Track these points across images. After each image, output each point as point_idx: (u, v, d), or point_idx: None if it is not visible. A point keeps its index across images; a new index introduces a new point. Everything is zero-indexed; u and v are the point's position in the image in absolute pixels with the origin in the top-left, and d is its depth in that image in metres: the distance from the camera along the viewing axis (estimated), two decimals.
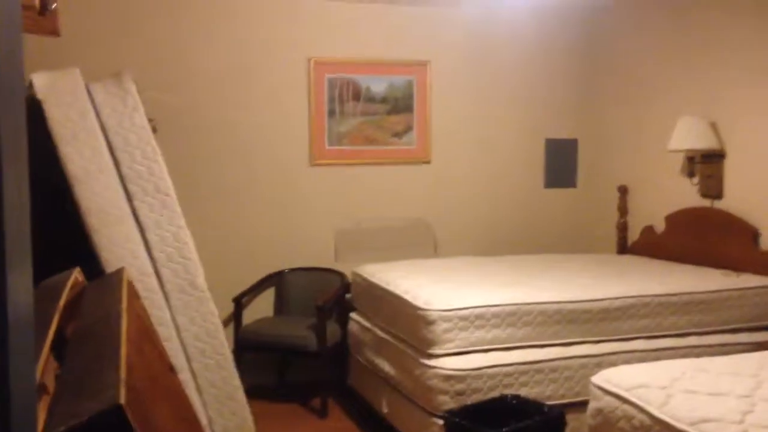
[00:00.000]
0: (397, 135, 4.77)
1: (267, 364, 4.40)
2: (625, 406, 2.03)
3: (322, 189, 4.58)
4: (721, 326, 3.51)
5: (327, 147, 4.59)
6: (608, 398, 2.12)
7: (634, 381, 2.11)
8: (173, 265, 3.11)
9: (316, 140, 4.55)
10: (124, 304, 2.08)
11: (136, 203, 3.09)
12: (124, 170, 3.08)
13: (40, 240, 2.97)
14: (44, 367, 1.55)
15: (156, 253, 3.09)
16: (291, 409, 4.07)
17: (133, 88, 3.12)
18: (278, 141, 4.47)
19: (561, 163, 5.10)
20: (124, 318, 1.92)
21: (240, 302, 4.20)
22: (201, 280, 3.15)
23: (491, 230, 4.96)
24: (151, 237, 3.10)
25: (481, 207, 4.94)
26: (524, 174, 5.03)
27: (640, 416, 1.96)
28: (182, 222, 3.16)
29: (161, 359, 2.81)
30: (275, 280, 4.47)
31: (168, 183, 3.15)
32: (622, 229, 4.82)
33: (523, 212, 5.02)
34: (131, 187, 3.08)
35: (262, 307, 4.45)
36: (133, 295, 2.69)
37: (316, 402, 4.07)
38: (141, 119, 3.13)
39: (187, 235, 3.16)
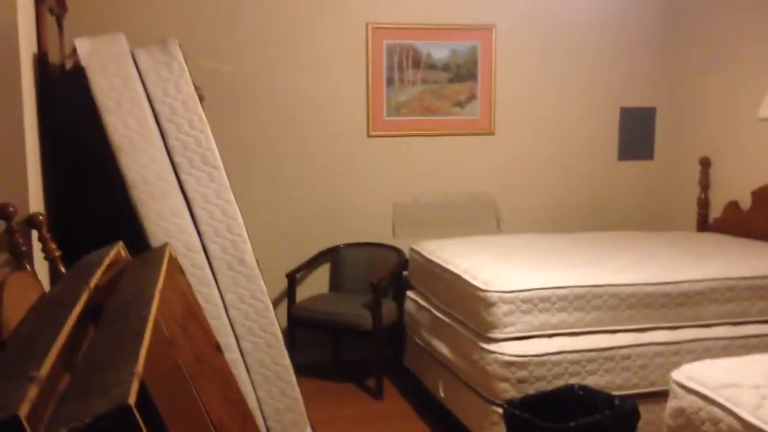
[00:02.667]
0: (460, 104, 4.52)
1: (321, 341, 4.29)
2: (712, 408, 1.79)
3: (380, 161, 4.39)
4: None
5: (385, 117, 4.38)
6: (691, 397, 1.87)
7: (721, 378, 1.85)
8: (221, 240, 2.99)
9: (374, 110, 4.35)
10: (160, 284, 1.95)
11: (183, 176, 2.97)
12: (171, 141, 2.96)
13: (86, 213, 2.88)
14: (63, 355, 1.43)
15: (203, 228, 2.97)
16: (345, 388, 3.94)
17: (179, 54, 2.98)
18: (334, 111, 4.29)
19: (637, 134, 4.74)
20: (156, 299, 1.78)
21: (293, 278, 4.08)
22: (250, 256, 3.02)
23: (559, 206, 4.67)
24: (198, 211, 2.98)
25: (548, 181, 4.65)
26: (596, 145, 4.70)
27: (729, 420, 1.72)
28: (231, 196, 3.03)
29: (207, 338, 2.69)
30: (330, 255, 4.32)
31: (216, 155, 3.01)
32: (704, 204, 4.45)
33: (594, 186, 4.71)
34: (178, 159, 2.96)
35: (316, 283, 4.32)
36: (177, 271, 2.58)
37: (371, 382, 3.93)
38: (188, 87, 3.00)
39: (235, 210, 3.03)
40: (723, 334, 3.03)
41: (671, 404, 1.97)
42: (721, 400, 1.78)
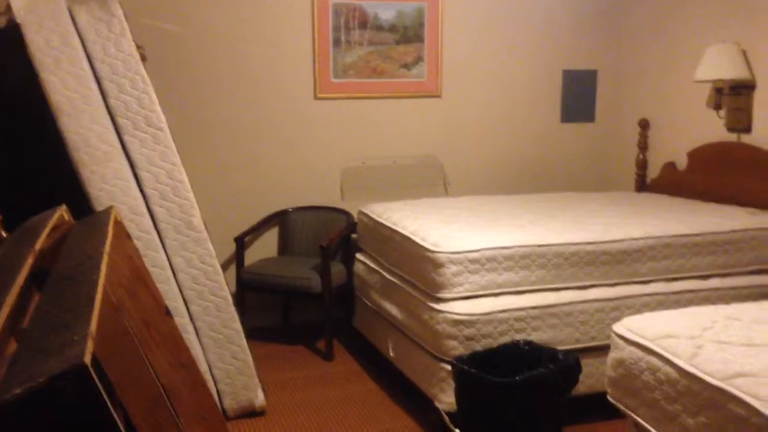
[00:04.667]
0: (407, 66, 4.51)
1: (270, 305, 4.29)
2: (650, 358, 1.88)
3: (328, 124, 4.37)
4: (745, 267, 3.34)
5: (332, 79, 4.35)
6: (631, 348, 1.96)
7: (659, 330, 1.94)
8: (167, 203, 2.94)
9: (321, 72, 4.31)
10: (107, 247, 1.92)
11: (126, 137, 2.90)
12: (112, 102, 2.89)
13: (23, 175, 2.79)
14: (9, 319, 1.40)
15: (148, 191, 2.93)
16: (295, 350, 3.97)
17: (119, 12, 2.89)
18: (281, 72, 4.23)
19: (579, 97, 4.84)
20: (104, 262, 1.76)
21: (242, 242, 4.05)
22: (197, 219, 2.99)
23: (505, 168, 4.75)
24: (143, 174, 2.92)
25: (494, 143, 4.71)
26: (540, 108, 4.78)
27: (667, 369, 1.81)
28: (176, 158, 2.98)
29: (156, 302, 2.66)
30: (279, 219, 4.31)
31: (160, 116, 2.95)
32: (642, 165, 4.59)
33: (538, 148, 4.80)
34: (120, 120, 2.89)
35: (265, 247, 4.31)
36: (124, 235, 2.53)
37: (321, 344, 3.97)
38: (129, 46, 2.91)
39: (181, 172, 2.98)
40: (660, 289, 3.16)
41: (612, 355, 2.05)
42: (659, 350, 1.87)
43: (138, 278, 2.62)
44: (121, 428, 1.20)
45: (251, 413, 3.14)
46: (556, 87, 4.79)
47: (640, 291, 3.15)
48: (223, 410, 3.07)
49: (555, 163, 4.84)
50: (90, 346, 1.21)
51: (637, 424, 1.95)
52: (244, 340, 3.10)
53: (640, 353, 1.92)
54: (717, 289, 3.23)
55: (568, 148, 4.86)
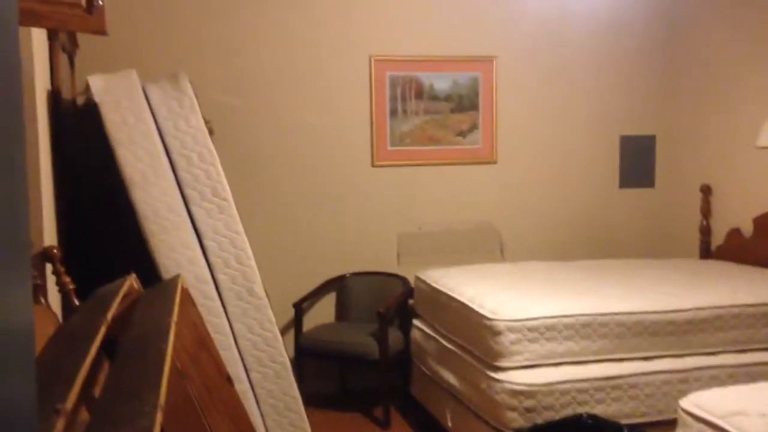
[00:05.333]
0: (462, 134, 4.58)
1: (328, 371, 4.29)
2: None
3: (384, 191, 4.44)
4: None
5: (389, 147, 4.44)
6: (700, 425, 1.89)
7: (729, 406, 1.88)
8: (230, 271, 3.02)
9: (378, 140, 4.42)
10: (175, 316, 1.98)
11: (193, 208, 3.02)
12: (181, 174, 3.01)
13: (96, 245, 2.91)
14: (82, 387, 1.46)
15: (213, 259, 3.01)
16: (352, 418, 3.94)
17: (189, 89, 3.05)
18: (339, 142, 4.35)
19: (637, 162, 4.80)
20: (172, 331, 1.82)
21: (300, 308, 4.10)
22: (259, 287, 3.05)
23: (562, 234, 4.71)
24: (208, 243, 3.02)
25: (550, 209, 4.69)
26: (597, 173, 4.76)
27: None
28: (240, 227, 3.07)
29: (218, 369, 2.72)
30: (336, 285, 4.35)
31: (225, 187, 3.06)
32: (706, 232, 4.49)
33: (596, 214, 4.75)
34: (188, 192, 3.01)
35: (323, 312, 4.34)
36: (189, 302, 2.61)
37: (378, 411, 3.94)
38: (198, 121, 3.06)
39: (244, 241, 3.07)
40: (729, 361, 3.05)
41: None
42: (728, 427, 1.80)
43: (201, 345, 2.68)
44: None
45: None
46: (613, 152, 4.77)
47: (708, 363, 3.05)
48: None
49: (614, 230, 4.77)
50: (159, 417, 1.25)
51: None
52: (302, 408, 3.10)
53: (709, 431, 1.85)
54: None
55: (627, 214, 4.80)
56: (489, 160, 4.60)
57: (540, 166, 4.67)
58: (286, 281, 4.21)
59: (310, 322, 4.23)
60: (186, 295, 2.56)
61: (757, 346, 3.13)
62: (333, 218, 4.36)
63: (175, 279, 2.50)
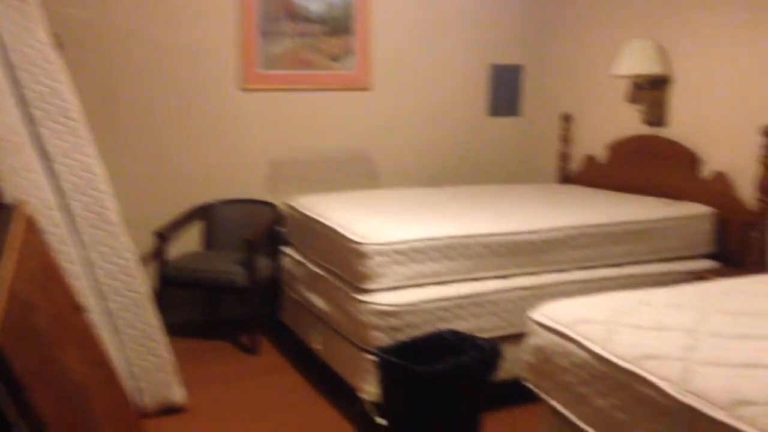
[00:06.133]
0: (336, 59, 4.49)
1: (195, 300, 4.21)
2: (566, 343, 1.92)
3: (255, 116, 4.30)
4: (659, 255, 3.47)
5: (259, 70, 4.28)
6: (547, 334, 2.00)
7: (574, 316, 2.00)
8: (82, 197, 2.84)
9: (247, 63, 4.24)
10: (13, 242, 1.84)
11: (40, 129, 2.78)
12: (25, 92, 2.76)
13: None
14: None
15: (63, 184, 2.81)
16: (220, 346, 3.90)
17: None
18: (206, 63, 4.14)
19: (505, 91, 4.92)
20: (10, 258, 1.68)
21: (163, 236, 3.95)
22: (114, 213, 2.90)
23: (434, 160, 4.79)
24: (57, 166, 2.81)
25: (423, 136, 4.74)
26: (468, 101, 4.84)
27: (581, 353, 1.86)
28: (92, 150, 2.88)
29: (68, 299, 2.58)
30: (204, 212, 4.22)
31: (75, 106, 2.84)
32: (564, 158, 4.71)
33: (466, 141, 4.86)
34: (33, 111, 2.77)
35: (190, 241, 4.21)
36: (34, 230, 2.44)
37: (247, 339, 3.92)
38: (43, 34, 2.79)
39: (98, 165, 2.89)
40: (579, 277, 3.25)
41: (530, 341, 2.10)
42: (573, 335, 1.92)
43: (49, 274, 2.52)
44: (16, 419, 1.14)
45: (172, 410, 3.07)
46: (484, 81, 4.85)
47: (560, 279, 3.23)
48: (142, 407, 2.99)
49: (483, 157, 4.91)
50: None
51: (552, 408, 2.00)
52: (164, 337, 3.02)
53: (555, 338, 1.97)
54: (633, 276, 3.35)
55: (496, 142, 4.94)
56: (363, 86, 4.55)
57: (414, 93, 4.68)
58: (150, 209, 4.04)
59: (176, 250, 4.09)
60: (30, 222, 2.38)
61: (604, 262, 3.35)
62: (200, 143, 4.19)
63: (16, 205, 2.32)
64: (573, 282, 3.22)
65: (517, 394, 2.39)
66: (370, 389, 2.90)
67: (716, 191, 3.63)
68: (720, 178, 3.63)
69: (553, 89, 4.86)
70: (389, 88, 4.60)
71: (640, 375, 1.66)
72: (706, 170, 3.74)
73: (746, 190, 3.50)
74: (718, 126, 3.67)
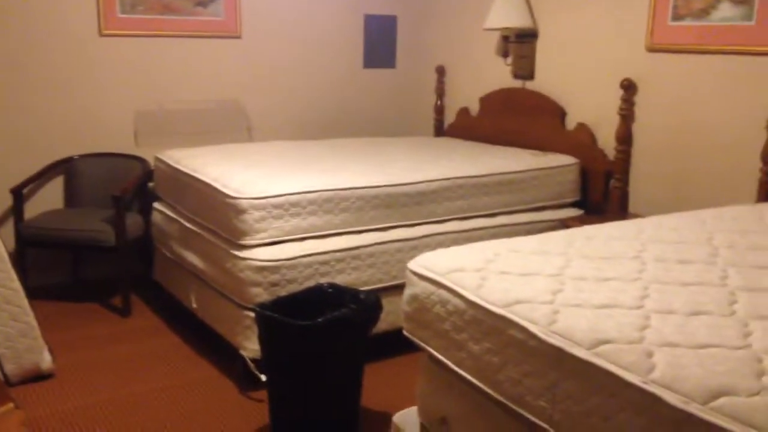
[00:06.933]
0: (202, 4, 4.27)
1: (58, 262, 3.96)
2: (441, 291, 1.97)
3: (118, 64, 4.04)
4: (528, 205, 3.62)
5: (119, 14, 4.01)
6: (423, 284, 2.04)
7: (449, 265, 2.04)
8: None
9: (105, 6, 3.95)
10: None
11: None
12: None
13: None
14: None
15: None
16: (89, 308, 3.71)
17: None
18: (61, 5, 3.82)
19: (380, 42, 4.89)
20: None
21: (20, 194, 3.67)
22: None
23: (309, 113, 4.72)
24: None
25: (298, 88, 4.65)
26: (343, 52, 4.78)
27: (455, 300, 1.91)
28: None
29: None
30: (64, 167, 3.95)
31: None
32: (439, 111, 4.78)
33: (341, 94, 4.82)
34: None
35: (49, 199, 3.94)
36: None
37: (117, 300, 3.75)
38: None
39: None
40: (454, 228, 3.34)
41: (407, 292, 2.13)
42: (448, 283, 1.96)
43: None
44: None
45: (38, 377, 2.90)
46: (358, 32, 4.80)
47: (436, 230, 3.31)
48: (5, 375, 2.81)
49: (358, 109, 4.89)
50: None
51: (430, 355, 2.05)
52: (25, 300, 2.83)
53: (431, 287, 2.01)
54: (504, 225, 3.48)
55: (371, 94, 4.93)
56: (233, 34, 4.38)
57: (287, 43, 4.56)
58: (4, 164, 3.72)
59: (34, 209, 3.82)
60: None
61: (477, 213, 3.46)
62: (59, 93, 3.89)
63: None
64: (449, 233, 3.30)
65: (397, 344, 2.44)
66: (250, 346, 2.87)
67: (580, 142, 3.82)
68: (583, 129, 3.82)
69: (427, 41, 4.89)
70: (260, 37, 4.45)
71: (510, 319, 1.72)
72: (571, 122, 3.92)
73: (608, 141, 3.71)
74: (582, 79, 3.85)
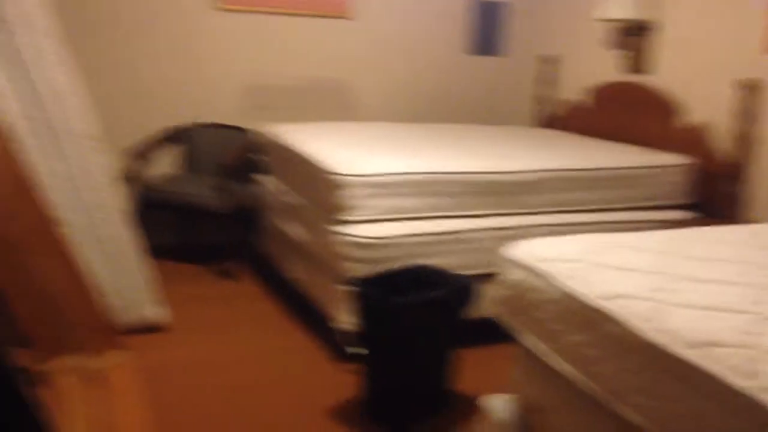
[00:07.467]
0: None
1: (175, 223, 4.19)
2: (537, 279, 1.97)
3: (231, 38, 4.21)
4: (633, 203, 3.52)
5: None
6: (519, 271, 2.05)
7: (546, 254, 2.04)
8: (59, 111, 2.77)
9: None
10: None
11: (16, 39, 2.69)
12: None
13: None
14: None
15: (40, 97, 2.74)
16: (198, 270, 3.92)
17: None
18: None
19: (488, 29, 4.85)
20: None
21: (142, 157, 3.89)
22: (93, 129, 2.84)
23: (410, 96, 4.75)
24: (33, 78, 2.73)
25: (402, 71, 4.70)
26: (450, 38, 4.77)
27: (551, 290, 1.90)
28: (67, 64, 2.80)
29: (41, 211, 2.56)
30: (181, 135, 4.16)
31: (47, 15, 2.75)
32: (543, 101, 4.71)
33: (445, 79, 4.82)
34: (6, 17, 2.67)
35: (168, 163, 4.17)
36: (7, 140, 2.39)
37: (225, 264, 3.93)
38: None
39: (73, 80, 2.81)
40: (553, 221, 3.29)
41: (502, 277, 2.14)
42: (544, 271, 1.96)
43: (21, 186, 2.49)
44: None
45: (149, 327, 3.10)
46: (466, 17, 4.78)
47: (535, 221, 3.27)
48: (121, 323, 3.01)
49: (461, 95, 4.88)
50: None
51: (524, 343, 2.06)
52: (140, 255, 3.03)
53: (527, 275, 2.01)
54: (604, 222, 3.39)
55: (475, 80, 4.90)
56: (345, 14, 4.46)
57: (396, 26, 4.60)
58: (128, 129, 3.97)
59: (156, 172, 4.05)
60: (3, 133, 2.34)
61: (577, 207, 3.39)
62: (176, 65, 4.10)
63: None
64: (547, 225, 3.26)
65: (490, 333, 2.45)
66: (343, 319, 2.95)
67: (695, 142, 3.67)
68: (698, 129, 3.68)
69: (536, 30, 4.82)
70: (372, 19, 4.51)
71: (608, 313, 1.71)
72: (685, 120, 3.78)
73: (724, 143, 3.55)
74: (699, 77, 3.70)
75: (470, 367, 2.87)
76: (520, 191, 3.26)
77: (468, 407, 2.66)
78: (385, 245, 2.96)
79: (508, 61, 4.96)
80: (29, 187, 2.38)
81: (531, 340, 2.01)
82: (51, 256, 2.62)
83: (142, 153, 3.92)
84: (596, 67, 4.34)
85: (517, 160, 3.34)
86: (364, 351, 2.64)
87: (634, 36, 4.04)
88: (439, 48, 4.75)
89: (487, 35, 4.85)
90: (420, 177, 3.07)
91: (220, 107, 4.24)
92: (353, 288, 2.61)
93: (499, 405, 2.24)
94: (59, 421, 2.29)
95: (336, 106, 4.55)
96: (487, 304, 3.05)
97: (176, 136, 4.15)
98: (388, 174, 3.02)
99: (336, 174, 2.99)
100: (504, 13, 4.86)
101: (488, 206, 3.22)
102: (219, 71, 4.20)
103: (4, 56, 2.66)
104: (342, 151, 3.22)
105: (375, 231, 2.96)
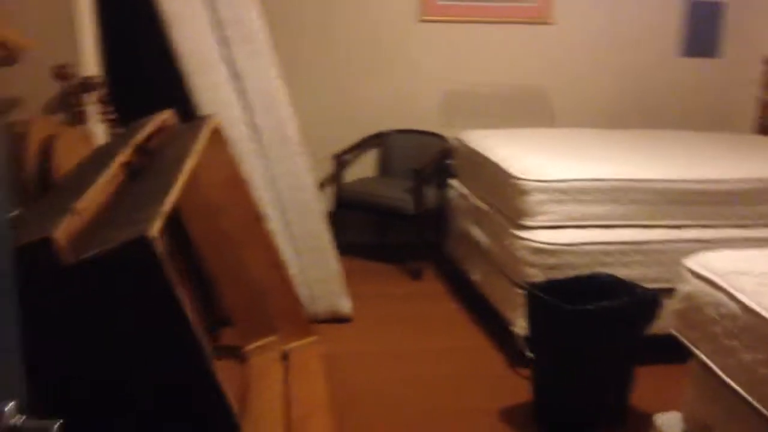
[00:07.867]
0: None
1: (367, 224, 4.44)
2: (716, 292, 1.83)
3: (431, 48, 4.36)
4: None
5: (438, 2, 4.31)
6: (698, 282, 1.91)
7: (730, 267, 1.88)
8: (268, 116, 3.10)
9: None
10: (198, 146, 2.08)
11: (233, 48, 3.06)
12: (222, 14, 3.04)
13: (143, 84, 3.02)
14: (102, 197, 1.58)
15: (251, 103, 3.09)
16: (387, 268, 4.12)
17: None
18: None
19: (704, 29, 4.51)
20: (192, 158, 1.92)
21: (341, 160, 4.19)
22: (296, 134, 3.13)
23: (613, 101, 4.57)
24: (247, 85, 3.08)
25: (603, 77, 4.53)
26: (658, 40, 4.52)
27: (731, 304, 1.76)
28: (278, 73, 3.12)
29: (252, 208, 2.86)
30: (378, 140, 4.40)
31: (263, 31, 3.08)
32: (766, 107, 4.27)
33: (652, 82, 4.57)
34: (227, 32, 3.05)
35: (365, 167, 4.43)
36: (221, 141, 2.72)
37: (412, 264, 4.09)
38: None
39: (283, 87, 3.12)
40: (758, 235, 3.00)
41: (680, 289, 2.01)
42: (725, 285, 1.82)
43: (235, 183, 2.81)
44: (184, 305, 1.33)
45: (339, 319, 3.33)
46: (676, 18, 4.49)
47: (738, 235, 3.01)
48: (314, 313, 3.27)
49: (670, 99, 4.59)
50: (159, 223, 1.36)
51: (698, 359, 1.93)
52: (335, 251, 3.27)
53: (706, 287, 1.88)
54: None
55: (687, 84, 4.59)
56: (544, 20, 4.42)
57: (597, 31, 4.46)
58: (329, 134, 4.28)
59: (351, 175, 4.33)
60: (218, 134, 2.66)
61: None
62: (378, 73, 4.34)
63: (207, 117, 2.60)
64: (750, 240, 2.98)
65: (673, 351, 2.31)
66: (522, 323, 2.94)
67: None
68: None
69: (759, 30, 4.38)
70: (572, 24, 4.42)
71: None
72: None
73: None
74: None
75: (649, 384, 2.72)
76: (725, 201, 3.02)
77: (641, 424, 2.52)
78: (567, 252, 2.91)
79: (725, 62, 4.57)
80: (240, 184, 2.69)
81: (704, 356, 1.87)
82: (257, 248, 2.91)
83: (343, 158, 4.21)
84: None
85: (718, 169, 3.09)
86: (537, 357, 2.62)
87: None
88: (645, 50, 4.52)
89: (702, 35, 4.52)
90: (606, 183, 2.97)
91: (417, 114, 4.41)
92: (528, 291, 2.60)
93: (671, 422, 2.11)
94: (254, 393, 2.57)
95: (534, 112, 4.52)
96: (669, 319, 2.87)
97: (374, 142, 4.39)
98: (572, 180, 2.96)
99: (519, 178, 3.00)
100: (722, 11, 4.50)
101: (686, 216, 3.02)
102: (419, 80, 4.38)
103: (231, 70, 3.02)
104: (530, 156, 3.21)
105: (556, 237, 2.92)
